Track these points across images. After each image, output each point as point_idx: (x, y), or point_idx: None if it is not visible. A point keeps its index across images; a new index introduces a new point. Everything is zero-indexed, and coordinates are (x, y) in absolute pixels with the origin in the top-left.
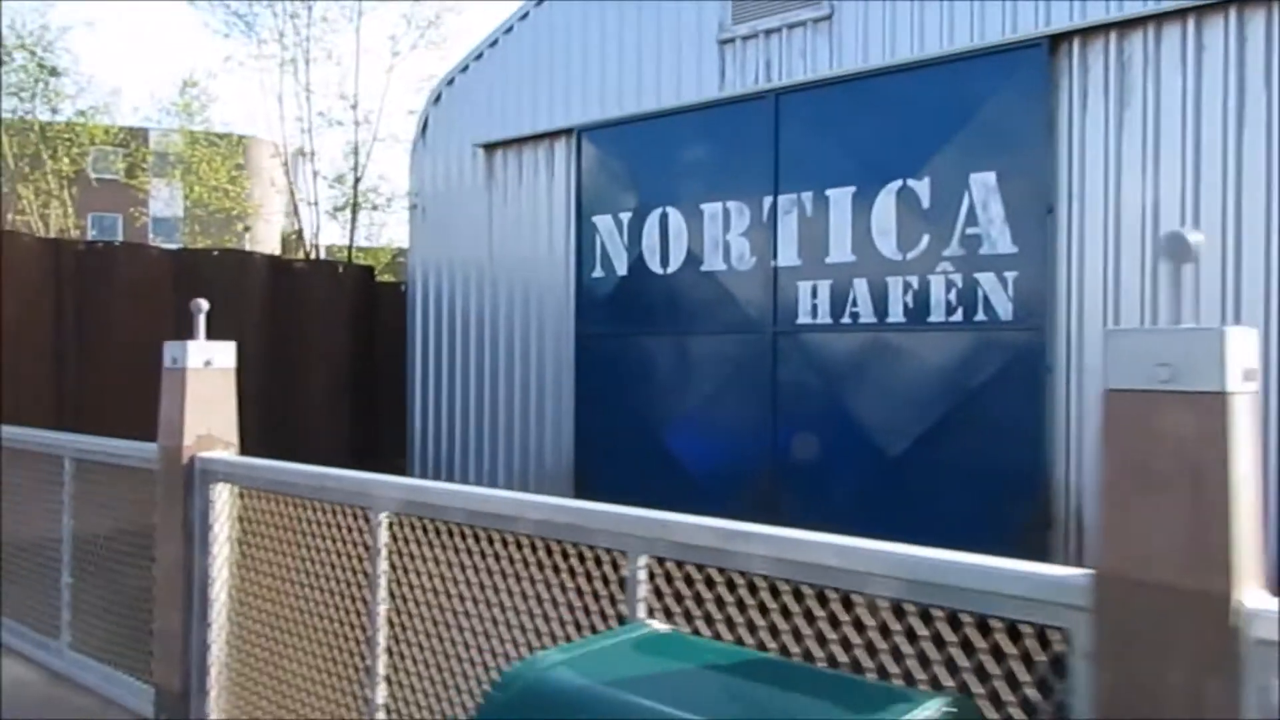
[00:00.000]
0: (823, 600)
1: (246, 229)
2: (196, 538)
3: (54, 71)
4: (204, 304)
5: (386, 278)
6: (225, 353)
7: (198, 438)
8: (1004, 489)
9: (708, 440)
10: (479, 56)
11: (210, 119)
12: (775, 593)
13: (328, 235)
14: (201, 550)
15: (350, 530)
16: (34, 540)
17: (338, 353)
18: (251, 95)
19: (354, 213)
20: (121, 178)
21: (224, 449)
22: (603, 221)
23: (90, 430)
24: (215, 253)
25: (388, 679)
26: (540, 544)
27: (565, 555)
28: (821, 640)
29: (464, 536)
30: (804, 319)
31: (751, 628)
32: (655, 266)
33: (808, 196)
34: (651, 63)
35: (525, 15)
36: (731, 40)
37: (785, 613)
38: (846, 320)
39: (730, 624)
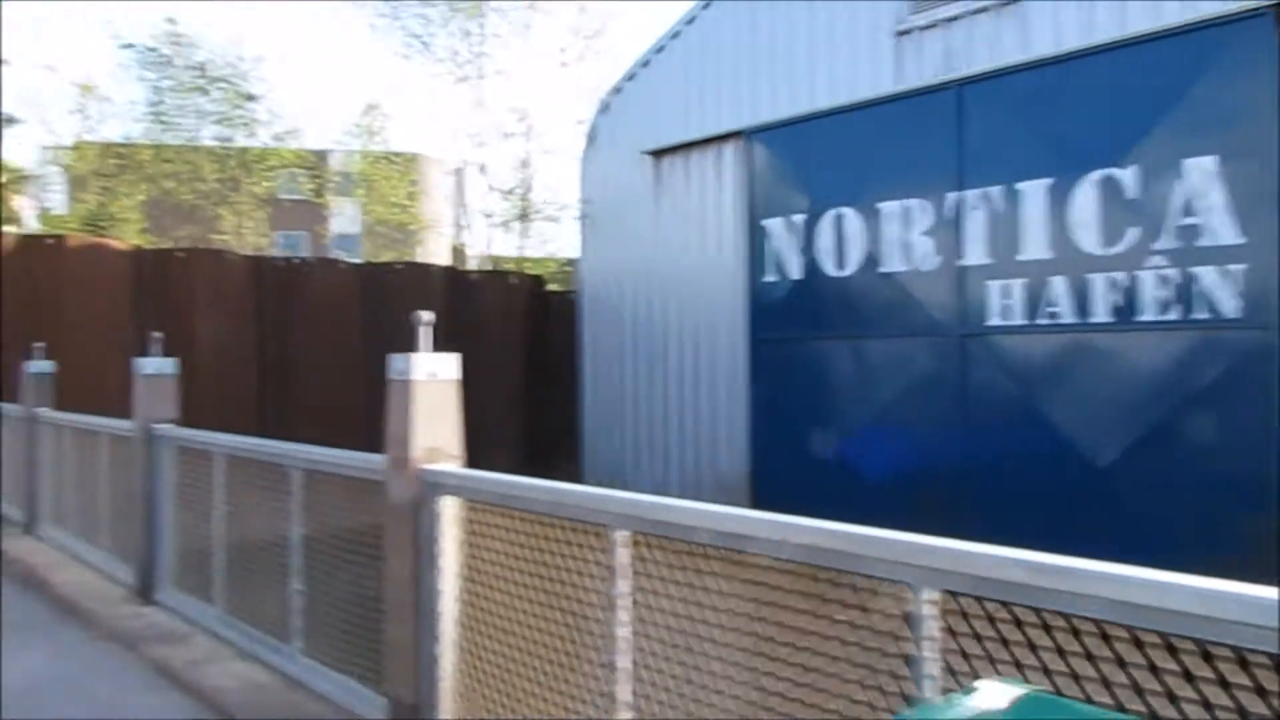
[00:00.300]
0: (1172, 650)
1: (419, 243)
2: (424, 551)
3: (250, 97)
4: (428, 316)
5: (552, 287)
6: (449, 364)
7: (425, 450)
8: (1231, 501)
9: (888, 447)
10: (646, 64)
11: (388, 139)
12: (1106, 638)
13: (496, 247)
14: (429, 563)
15: (586, 548)
16: (263, 547)
17: (511, 361)
18: (425, 114)
19: (524, 224)
20: (307, 197)
21: (450, 461)
22: (774, 225)
23: (287, 434)
24: (397, 266)
25: (629, 704)
26: (803, 571)
27: (834, 584)
28: (1171, 698)
29: (709, 558)
30: (994, 320)
31: (1075, 678)
32: (830, 269)
33: (996, 191)
34: (823, 60)
35: (691, 20)
36: (909, 32)
37: (1120, 663)
38: (1043, 320)
39: (1047, 673)
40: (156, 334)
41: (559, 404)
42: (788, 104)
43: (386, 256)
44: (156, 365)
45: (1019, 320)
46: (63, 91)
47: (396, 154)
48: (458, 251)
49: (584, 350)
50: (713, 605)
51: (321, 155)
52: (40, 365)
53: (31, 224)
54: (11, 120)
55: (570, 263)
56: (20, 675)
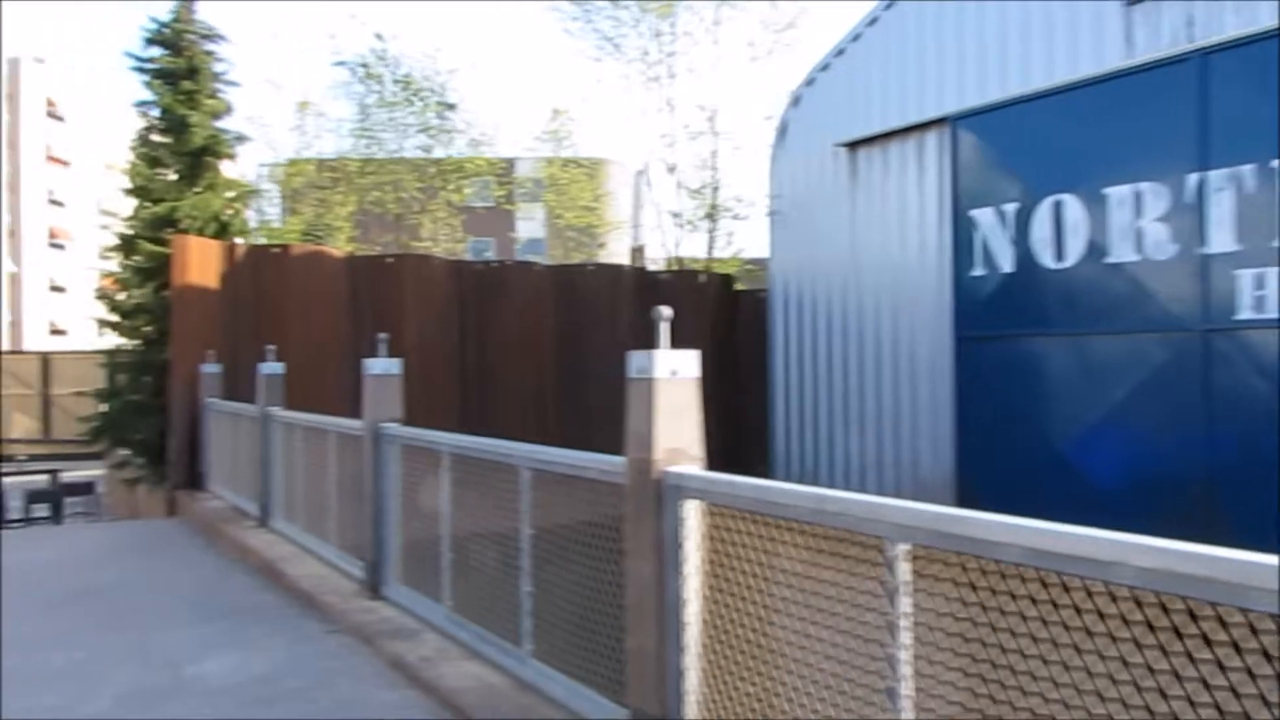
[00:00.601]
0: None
1: (602, 246)
2: (667, 557)
3: (450, 107)
4: (667, 311)
5: (739, 287)
6: (689, 362)
7: (667, 451)
8: None
9: (1117, 449)
10: (840, 53)
11: (575, 144)
12: None
13: (681, 247)
14: (672, 570)
15: (855, 561)
16: (490, 546)
17: (702, 361)
18: (611, 118)
19: (712, 223)
20: (497, 204)
21: (692, 463)
22: (983, 215)
23: (486, 432)
24: (589, 267)
25: None
26: (1146, 599)
27: (1193, 616)
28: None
29: (1006, 577)
30: (1245, 314)
31: None
32: (1048, 261)
33: (1248, 170)
34: (1040, 37)
35: (889, 4)
36: (1141, 0)
37: None
38: None
39: None
40: (382, 335)
41: (749, 404)
42: (997, 87)
43: (571, 259)
44: (383, 366)
45: (1275, 314)
46: (284, 110)
47: (582, 159)
48: (638, 253)
49: (775, 349)
50: (1030, 635)
51: (510, 163)
52: (271, 367)
53: (254, 236)
54: (241, 138)
55: (754, 262)
56: (267, 663)
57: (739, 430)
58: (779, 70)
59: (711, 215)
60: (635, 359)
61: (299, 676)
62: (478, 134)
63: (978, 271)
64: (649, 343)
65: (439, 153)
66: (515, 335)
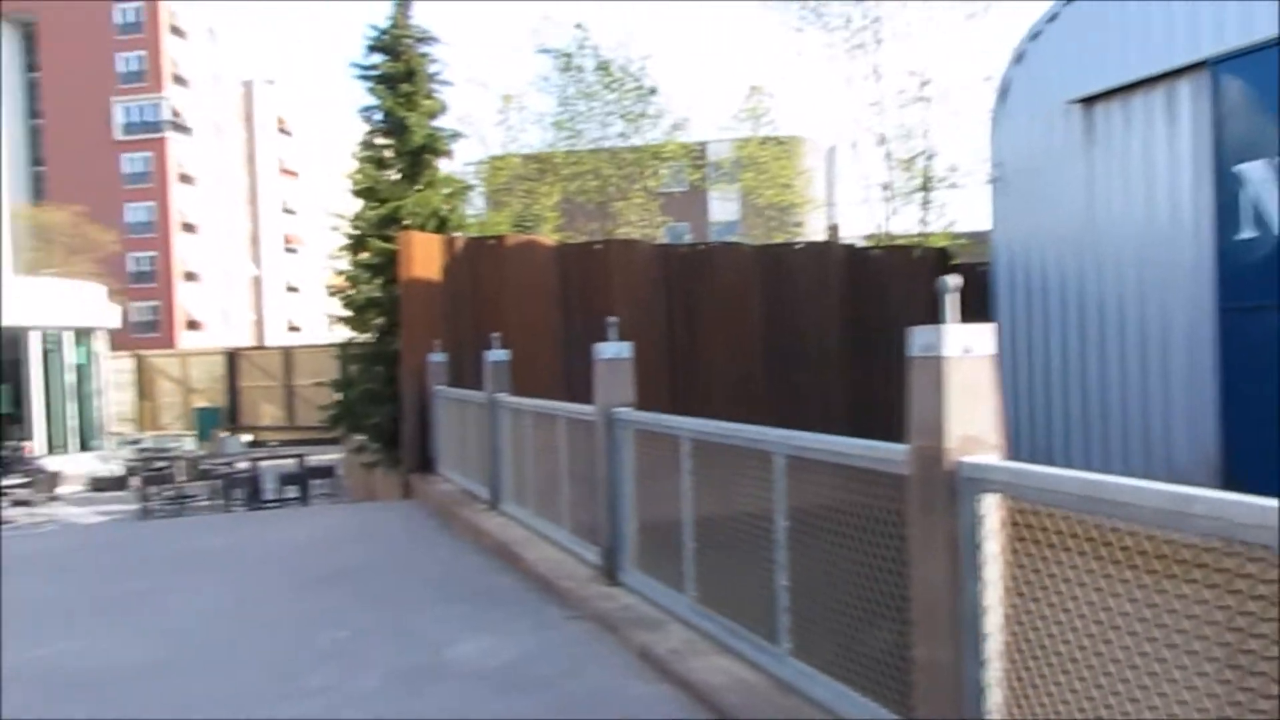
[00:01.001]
0: None
1: (798, 224)
2: (963, 559)
3: (651, 91)
4: (955, 281)
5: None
6: (984, 338)
7: (960, 439)
8: None
9: None
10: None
11: (774, 121)
12: None
13: (890, 223)
14: (970, 574)
15: (1232, 575)
16: (738, 537)
17: None
18: (808, 94)
19: (926, 194)
20: (692, 187)
21: (989, 452)
22: (1252, 170)
23: (696, 414)
24: (796, 245)
25: None
26: None
27: None
28: None
29: None
30: None
31: None
32: None
33: None
34: None
35: None
36: None
37: None
38: None
39: None
40: (611, 319)
41: None
42: (1265, 21)
43: (769, 240)
44: (614, 350)
45: None
46: (489, 108)
47: (780, 137)
48: (833, 231)
49: (1000, 325)
50: None
51: (703, 146)
52: (498, 354)
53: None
54: (456, 135)
55: (969, 235)
56: (517, 648)
57: None
58: (998, 28)
59: (925, 186)
60: (919, 335)
61: (549, 664)
62: (676, 118)
63: (1246, 234)
64: (864, 321)
65: (637, 139)
66: (722, 317)
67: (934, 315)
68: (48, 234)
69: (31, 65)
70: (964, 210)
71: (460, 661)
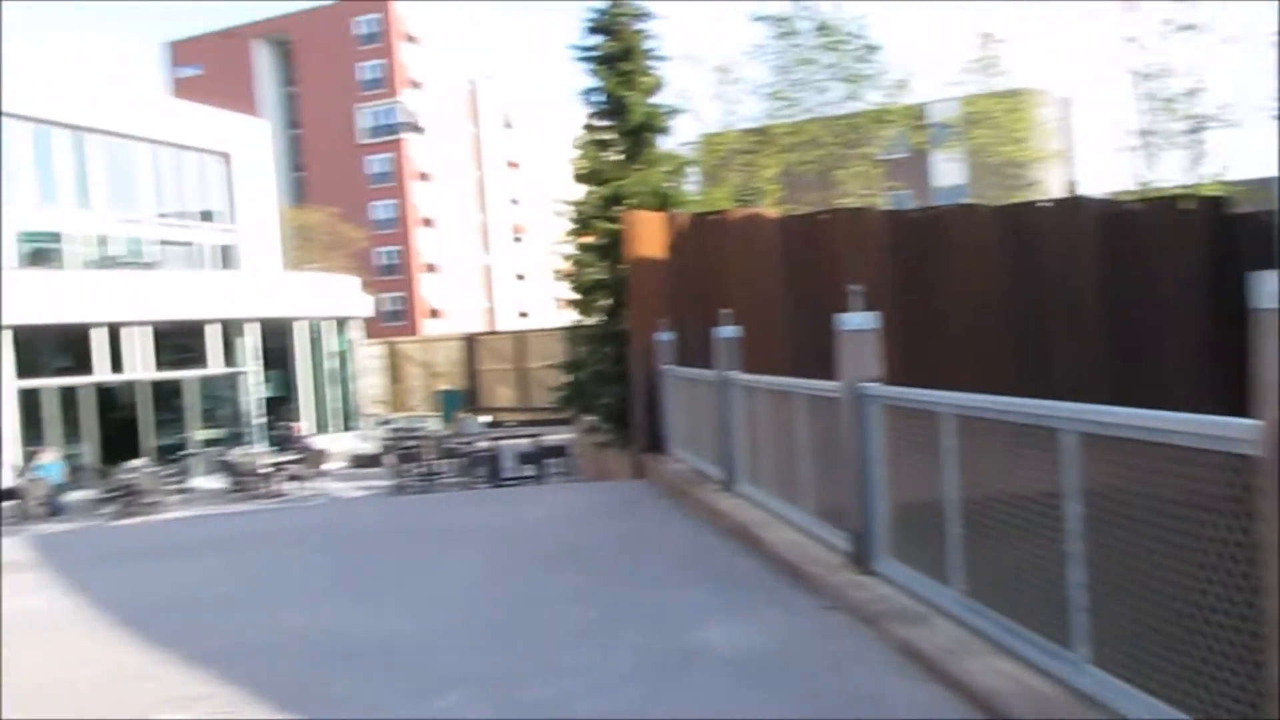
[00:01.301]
0: None
1: (1030, 184)
2: None
3: (873, 48)
4: None
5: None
6: None
7: None
8: None
9: None
10: None
11: (1008, 72)
12: None
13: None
14: None
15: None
16: (1017, 526)
17: (1192, 300)
18: (1041, 41)
19: (1194, 136)
20: (916, 150)
21: None
22: None
23: (936, 386)
24: (1040, 204)
25: None
26: None
27: None
28: None
29: None
30: None
31: None
32: None
33: None
34: None
35: None
36: None
37: None
38: None
39: None
40: (855, 287)
41: (1241, 344)
42: None
43: (1004, 200)
44: (859, 320)
45: None
46: (704, 82)
47: (1011, 91)
48: (1073, 186)
49: None
50: None
51: (923, 108)
52: (728, 330)
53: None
54: (674, 111)
55: (1244, 183)
56: (768, 637)
57: (1240, 379)
58: None
59: (1196, 129)
60: (1270, 281)
61: (806, 657)
62: (898, 77)
63: None
64: (1125, 283)
65: (859, 103)
66: (959, 284)
67: (1209, 272)
68: (308, 233)
69: (289, 79)
70: (1238, 154)
71: (711, 647)
